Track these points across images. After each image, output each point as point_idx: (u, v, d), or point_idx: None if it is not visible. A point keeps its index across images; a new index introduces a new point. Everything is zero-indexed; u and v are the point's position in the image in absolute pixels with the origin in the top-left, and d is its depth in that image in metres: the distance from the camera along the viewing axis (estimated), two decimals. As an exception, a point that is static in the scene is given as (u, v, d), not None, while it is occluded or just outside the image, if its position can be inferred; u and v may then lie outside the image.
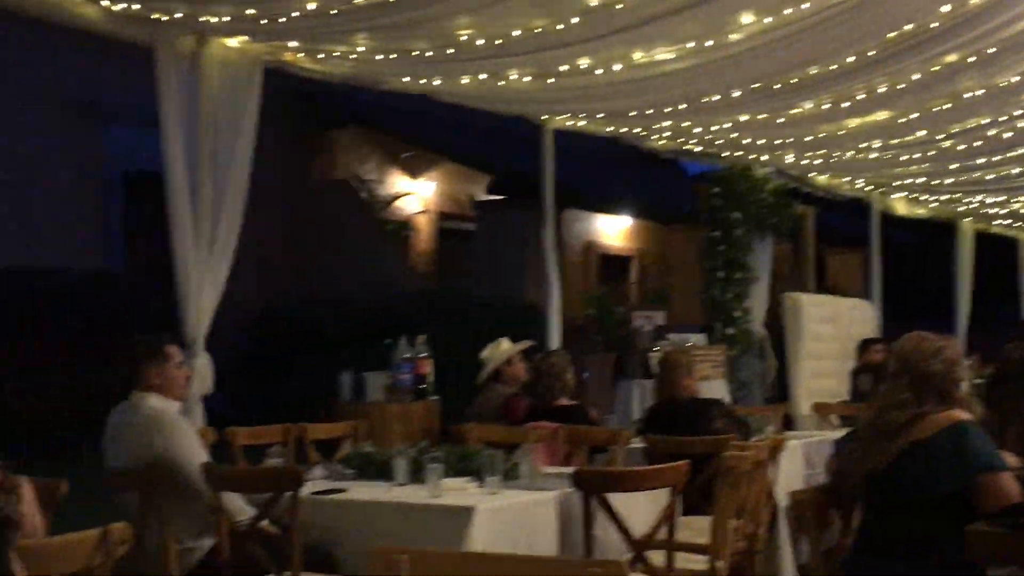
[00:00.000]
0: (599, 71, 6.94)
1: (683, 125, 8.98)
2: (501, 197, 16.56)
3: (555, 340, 8.69)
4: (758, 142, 9.69)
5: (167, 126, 5.98)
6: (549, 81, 7.23)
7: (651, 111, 8.39)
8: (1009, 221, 14.51)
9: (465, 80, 7.23)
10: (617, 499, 4.52)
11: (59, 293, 11.48)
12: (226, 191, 6.20)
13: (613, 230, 18.50)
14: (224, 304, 6.22)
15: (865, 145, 9.70)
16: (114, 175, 14.22)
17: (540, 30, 6.14)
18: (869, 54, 6.91)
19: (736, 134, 9.27)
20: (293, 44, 6.46)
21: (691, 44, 6.56)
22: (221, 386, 6.25)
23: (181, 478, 4.54)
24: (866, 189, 12.31)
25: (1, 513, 2.58)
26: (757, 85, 7.50)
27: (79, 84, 13.54)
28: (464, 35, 6.27)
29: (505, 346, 7.12)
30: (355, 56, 6.68)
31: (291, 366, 12.31)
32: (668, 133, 9.32)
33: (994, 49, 7.04)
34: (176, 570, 4.44)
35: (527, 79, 7.15)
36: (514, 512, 4.52)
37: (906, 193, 12.73)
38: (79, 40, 10.50)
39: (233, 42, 6.15)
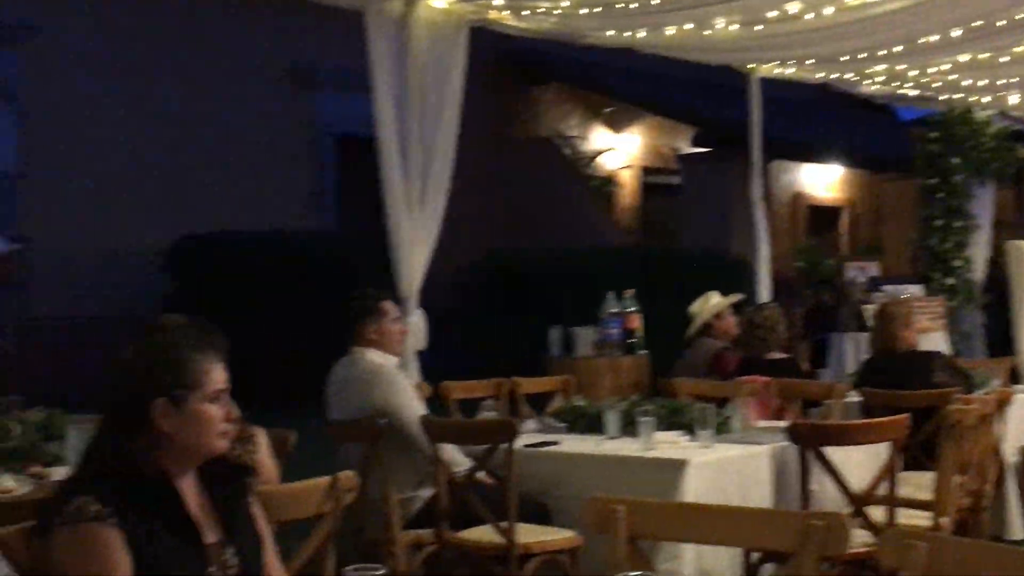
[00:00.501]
0: (809, 16, 6.72)
1: (898, 68, 8.62)
2: (706, 150, 16.31)
3: (764, 294, 8.55)
4: (979, 83, 9.22)
5: (378, 89, 6.11)
6: (757, 28, 7.05)
7: (864, 55, 8.08)
8: None
9: (670, 31, 7.13)
10: (833, 454, 4.43)
11: (279, 254, 11.97)
12: (435, 151, 6.32)
13: (822, 180, 18.00)
14: (435, 261, 6.36)
15: (1097, 82, 9.10)
16: (326, 139, 14.71)
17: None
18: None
19: (955, 76, 8.85)
20: (498, 2, 6.50)
21: (908, -18, 6.28)
22: (434, 342, 6.40)
23: (401, 430, 4.68)
24: (1097, 129, 11.57)
25: (241, 460, 2.73)
26: (979, 23, 7.12)
27: (293, 53, 14.03)
28: (670, -15, 6.18)
29: (715, 300, 7.04)
30: (559, 12, 6.67)
31: (500, 322, 12.50)
32: (882, 78, 8.96)
33: None
34: (397, 519, 4.59)
35: (734, 27, 6.99)
36: (727, 466, 4.49)
37: None
38: (293, 9, 10.93)
39: (440, 3, 6.23)
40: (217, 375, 2.50)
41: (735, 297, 7.19)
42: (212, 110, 13.45)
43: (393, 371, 4.89)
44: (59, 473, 3.80)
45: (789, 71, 8.61)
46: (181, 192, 13.04)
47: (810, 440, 4.43)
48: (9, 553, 2.26)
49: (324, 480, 3.05)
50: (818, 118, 16.34)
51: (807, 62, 8.42)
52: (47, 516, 2.39)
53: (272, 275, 11.64)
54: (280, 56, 14.02)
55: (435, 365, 6.46)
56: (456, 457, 4.71)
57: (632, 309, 7.36)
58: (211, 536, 2.48)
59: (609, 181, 16.50)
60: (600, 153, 16.51)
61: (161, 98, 13.07)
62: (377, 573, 2.02)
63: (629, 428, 4.77)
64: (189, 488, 2.50)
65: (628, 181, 16.87)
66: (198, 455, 2.49)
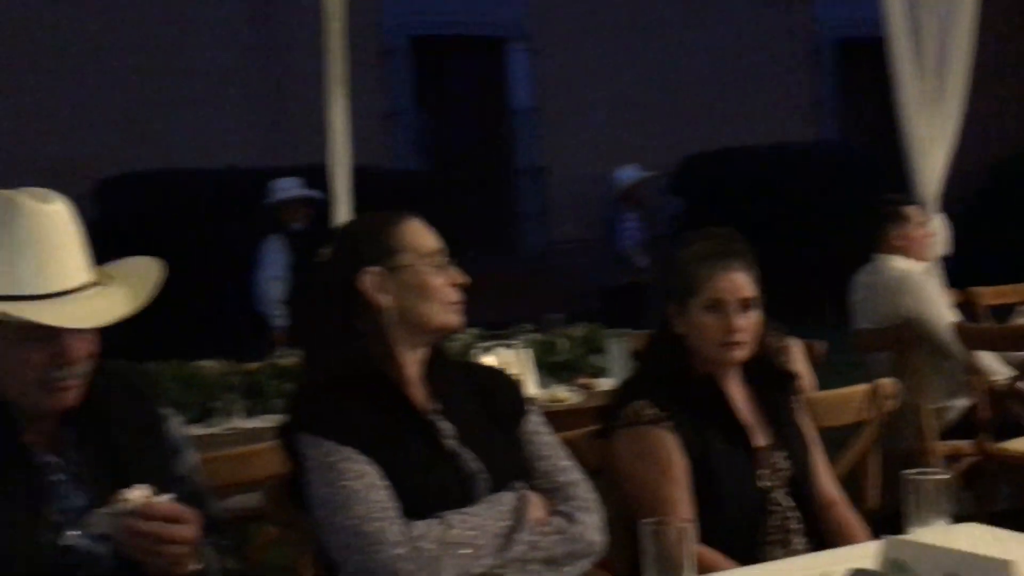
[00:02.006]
0: None
1: None
2: None
3: None
4: None
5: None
6: None
7: None
8: None
9: None
10: None
11: (782, 168, 11.89)
12: (951, 43, 5.96)
13: None
14: (957, 161, 6.03)
15: None
16: (825, 46, 14.33)
17: None
18: None
19: None
20: None
21: None
22: (959, 246, 6.09)
23: (931, 338, 4.52)
24: None
25: (784, 367, 2.77)
26: None
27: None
28: None
29: None
30: None
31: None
32: None
33: None
34: (931, 429, 4.45)
35: None
36: None
37: None
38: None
39: None
40: (717, 285, 2.50)
41: None
42: (707, 26, 13.54)
43: (921, 277, 4.72)
44: (604, 384, 4.07)
45: None
46: (683, 113, 13.28)
47: None
48: (576, 454, 2.45)
49: (864, 387, 3.03)
50: None
51: None
52: (607, 420, 2.57)
53: (776, 188, 11.59)
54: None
55: (960, 271, 6.14)
56: (993, 365, 4.48)
57: None
58: (760, 440, 2.54)
59: None
60: None
61: (658, 21, 13.35)
62: (940, 476, 1.98)
63: None
64: (736, 393, 2.58)
65: None
66: (716, 361, 2.53)
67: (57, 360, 1.92)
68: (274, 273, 7.07)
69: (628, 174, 8.70)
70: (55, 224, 1.94)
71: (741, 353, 2.53)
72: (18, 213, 1.92)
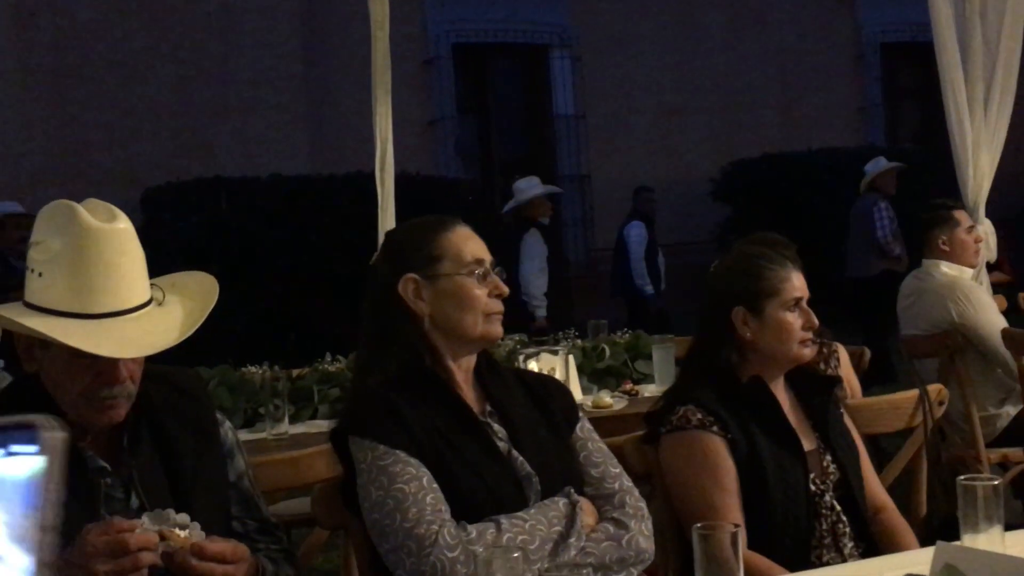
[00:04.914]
0: None
1: None
2: None
3: None
4: None
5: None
6: None
7: None
8: None
9: None
10: None
11: (824, 174, 11.81)
12: (999, 47, 5.91)
13: None
14: (1005, 166, 5.97)
15: None
16: (869, 49, 14.24)
17: None
18: None
19: None
20: None
21: None
22: (1005, 252, 6.03)
23: (980, 344, 4.48)
24: None
25: (827, 372, 2.76)
26: None
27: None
28: None
29: None
30: None
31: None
32: None
33: None
34: (980, 436, 4.41)
35: None
36: None
37: None
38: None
39: None
40: (793, 284, 2.54)
41: None
42: (751, 33, 13.50)
43: (969, 283, 4.67)
44: (648, 390, 4.06)
45: None
46: (728, 119, 13.25)
47: None
48: (623, 459, 2.44)
49: (912, 393, 3.01)
50: None
51: None
52: (655, 425, 2.57)
53: (817, 194, 11.52)
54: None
55: (1008, 277, 6.09)
56: (1046, 371, 4.42)
57: None
58: (808, 444, 2.53)
59: None
60: None
61: (702, 28, 13.32)
62: (991, 482, 1.97)
63: None
64: (783, 397, 2.57)
65: None
66: (782, 362, 2.55)
67: (103, 379, 1.94)
68: (540, 265, 7.44)
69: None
70: (120, 243, 1.94)
71: (814, 349, 2.57)
72: (83, 228, 1.91)
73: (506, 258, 7.64)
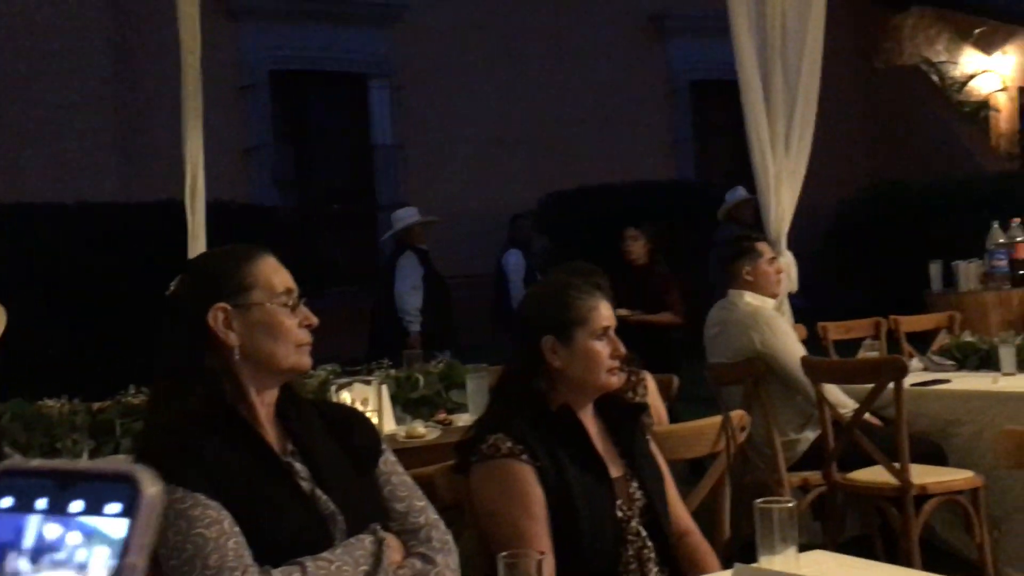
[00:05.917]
0: None
1: None
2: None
3: None
4: None
5: (737, 32, 6.03)
6: None
7: None
8: None
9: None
10: None
11: (640, 205, 12.09)
12: (799, 89, 6.17)
13: None
14: (803, 200, 6.22)
15: None
16: (681, 87, 14.69)
17: None
18: None
19: None
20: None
21: None
22: (806, 283, 6.28)
23: (781, 372, 4.64)
24: None
25: (636, 400, 2.81)
26: None
27: (647, 1, 14.13)
28: None
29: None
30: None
31: (874, 259, 12.07)
32: None
33: None
34: (782, 460, 4.56)
35: None
36: None
37: None
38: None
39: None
40: (601, 313, 2.59)
41: None
42: (573, 68, 13.75)
43: (771, 313, 4.84)
44: (463, 419, 4.06)
45: None
46: (546, 151, 13.44)
47: None
48: (433, 489, 2.44)
49: (716, 419, 3.09)
50: None
51: None
52: (465, 454, 2.56)
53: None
54: (637, 4, 14.16)
55: (808, 306, 6.34)
56: (840, 397, 4.62)
57: (1020, 239, 6.91)
58: (615, 471, 2.57)
59: (984, 105, 15.47)
60: (972, 77, 15.51)
61: (522, 61, 13.50)
62: (787, 504, 2.03)
63: (1028, 363, 4.50)
64: (591, 425, 2.61)
65: (1005, 104, 15.75)
66: (591, 390, 2.59)
67: None
68: (413, 283, 7.87)
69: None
70: None
71: (623, 377, 2.61)
72: None
73: (386, 282, 7.84)
